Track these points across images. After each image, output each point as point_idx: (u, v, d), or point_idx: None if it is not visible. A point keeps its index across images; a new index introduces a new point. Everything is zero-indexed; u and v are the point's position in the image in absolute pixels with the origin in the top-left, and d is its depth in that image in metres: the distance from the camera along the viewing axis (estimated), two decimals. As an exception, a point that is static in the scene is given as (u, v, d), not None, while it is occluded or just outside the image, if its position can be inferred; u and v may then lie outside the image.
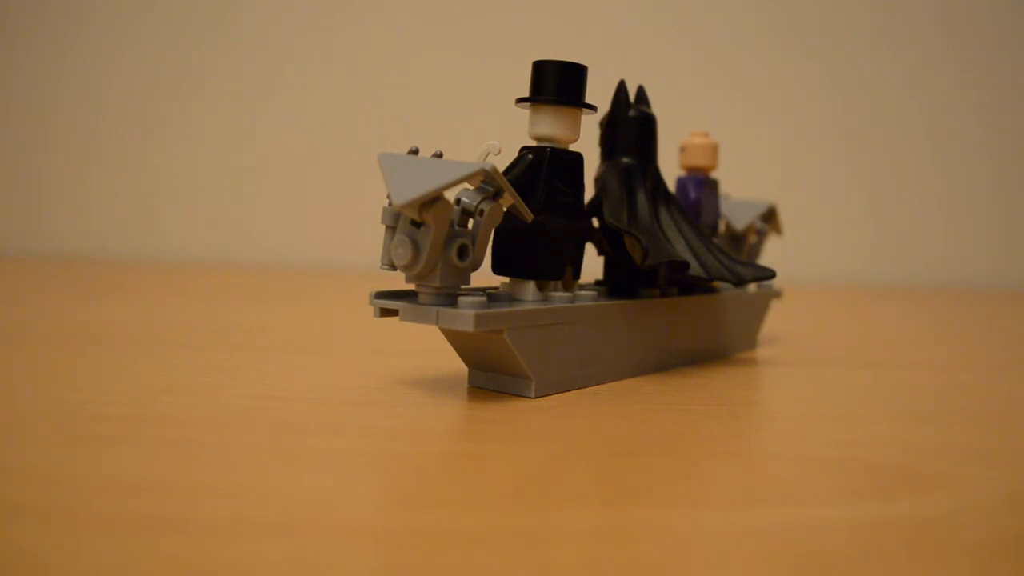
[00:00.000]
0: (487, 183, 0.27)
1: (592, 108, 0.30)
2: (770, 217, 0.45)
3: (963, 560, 0.16)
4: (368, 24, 0.94)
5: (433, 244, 0.25)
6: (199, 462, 0.20)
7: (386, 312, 0.27)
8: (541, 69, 0.29)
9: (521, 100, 0.30)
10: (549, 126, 0.29)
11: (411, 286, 0.28)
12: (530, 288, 0.29)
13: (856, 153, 0.97)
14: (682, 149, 0.40)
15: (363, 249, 0.86)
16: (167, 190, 0.95)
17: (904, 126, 0.97)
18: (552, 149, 0.29)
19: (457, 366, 0.33)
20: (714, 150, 0.39)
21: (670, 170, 0.37)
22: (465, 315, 0.25)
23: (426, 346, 0.39)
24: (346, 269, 0.91)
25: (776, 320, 0.55)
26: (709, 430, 0.25)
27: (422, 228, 0.25)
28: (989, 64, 0.97)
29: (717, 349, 0.39)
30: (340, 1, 0.94)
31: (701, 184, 0.39)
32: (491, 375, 0.29)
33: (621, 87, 0.35)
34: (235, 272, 0.81)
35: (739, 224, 0.42)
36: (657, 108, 0.36)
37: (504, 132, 0.33)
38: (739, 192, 0.69)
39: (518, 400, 0.28)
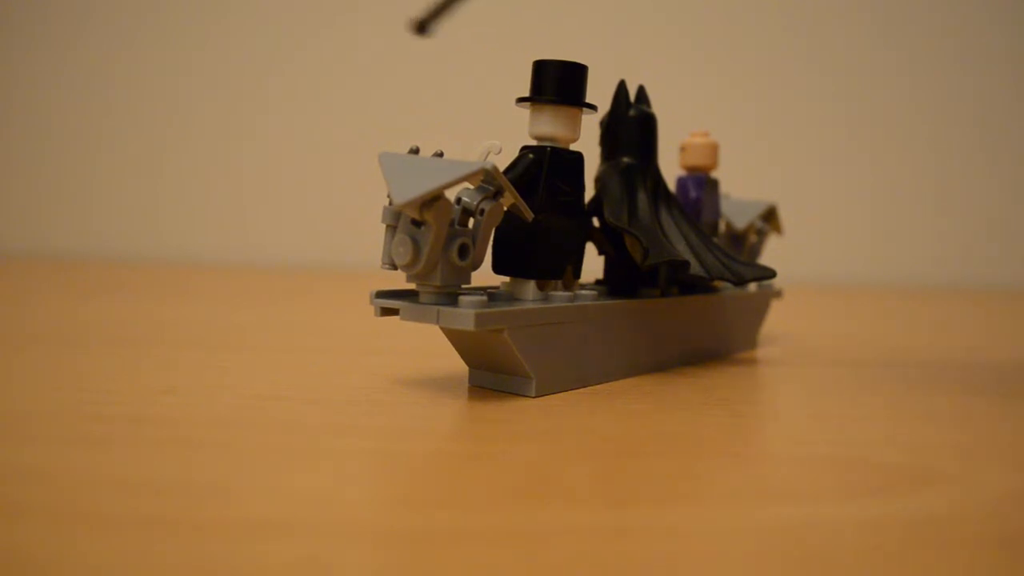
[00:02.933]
0: (487, 182, 0.27)
1: (592, 108, 0.30)
2: (770, 217, 0.45)
3: (964, 559, 0.16)
4: (368, 24, 0.94)
5: (434, 243, 0.25)
6: (199, 462, 0.20)
7: (387, 311, 0.27)
8: (541, 69, 0.29)
9: (521, 100, 0.30)
10: (549, 126, 0.29)
11: (412, 285, 0.28)
12: (530, 287, 0.29)
13: (856, 153, 0.97)
14: (682, 149, 0.40)
15: (363, 249, 0.86)
16: (167, 190, 0.95)
17: (904, 126, 0.97)
18: (553, 148, 0.29)
19: (457, 366, 0.33)
20: (714, 150, 0.39)
21: (670, 170, 0.37)
22: (466, 314, 0.25)
23: (426, 346, 0.39)
24: (346, 269, 0.91)
25: (776, 320, 0.55)
26: (709, 430, 0.25)
27: (423, 227, 0.25)
28: (989, 64, 0.97)
29: (717, 349, 0.39)
30: (341, 1, 0.94)
31: (701, 184, 0.39)
32: (491, 375, 0.29)
33: (621, 87, 0.35)
34: (235, 272, 0.81)
35: (739, 224, 0.42)
36: (657, 108, 0.36)
37: (504, 132, 0.33)
38: (739, 192, 0.69)
39: (518, 399, 0.28)
